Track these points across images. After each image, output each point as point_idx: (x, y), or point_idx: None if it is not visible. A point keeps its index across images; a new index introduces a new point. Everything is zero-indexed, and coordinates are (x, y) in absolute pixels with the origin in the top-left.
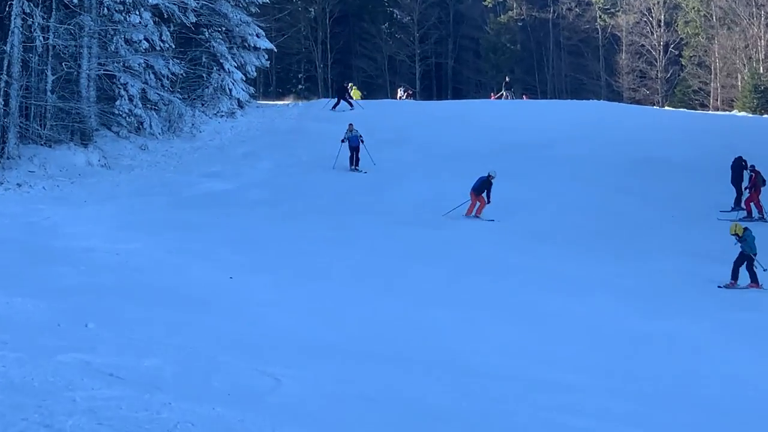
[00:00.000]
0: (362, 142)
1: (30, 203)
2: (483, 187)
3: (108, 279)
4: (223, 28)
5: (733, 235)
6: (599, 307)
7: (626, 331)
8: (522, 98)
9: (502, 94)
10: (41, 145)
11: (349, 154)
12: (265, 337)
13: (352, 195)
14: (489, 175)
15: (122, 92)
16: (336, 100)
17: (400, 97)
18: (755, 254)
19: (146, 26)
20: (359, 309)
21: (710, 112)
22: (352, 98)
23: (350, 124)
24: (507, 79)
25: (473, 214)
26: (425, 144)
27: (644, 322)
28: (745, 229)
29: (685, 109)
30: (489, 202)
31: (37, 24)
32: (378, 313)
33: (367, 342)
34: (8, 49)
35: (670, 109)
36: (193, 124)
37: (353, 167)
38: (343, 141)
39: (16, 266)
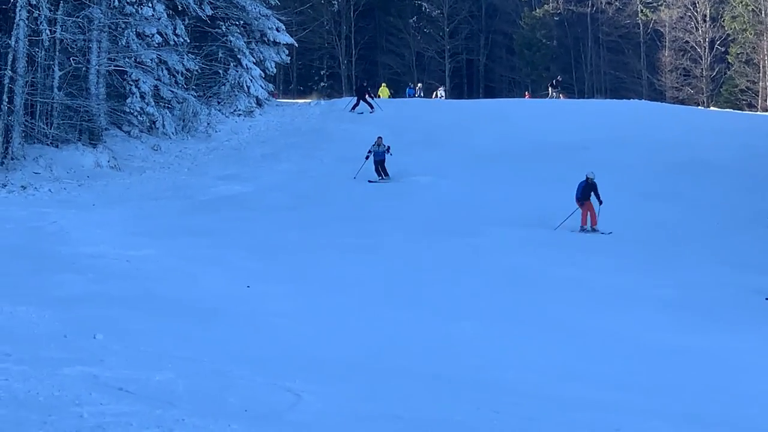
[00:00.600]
0: (388, 151)
1: (35, 207)
2: (587, 192)
3: (117, 287)
4: (241, 22)
5: None
6: (638, 320)
7: (667, 347)
8: (559, 97)
9: (548, 94)
10: (47, 145)
11: (374, 168)
12: (284, 351)
13: (377, 200)
14: (588, 179)
15: (133, 89)
16: (355, 100)
17: (436, 96)
18: None
19: (159, 19)
20: (384, 321)
21: (759, 113)
22: (372, 98)
23: (379, 138)
24: (559, 77)
25: (588, 226)
26: (455, 145)
27: (686, 337)
28: None
29: (731, 110)
30: (601, 202)
31: (43, 16)
32: (404, 326)
33: (393, 357)
34: (13, 43)
35: (716, 109)
36: (208, 124)
37: (380, 178)
38: (367, 157)
39: (20, 274)
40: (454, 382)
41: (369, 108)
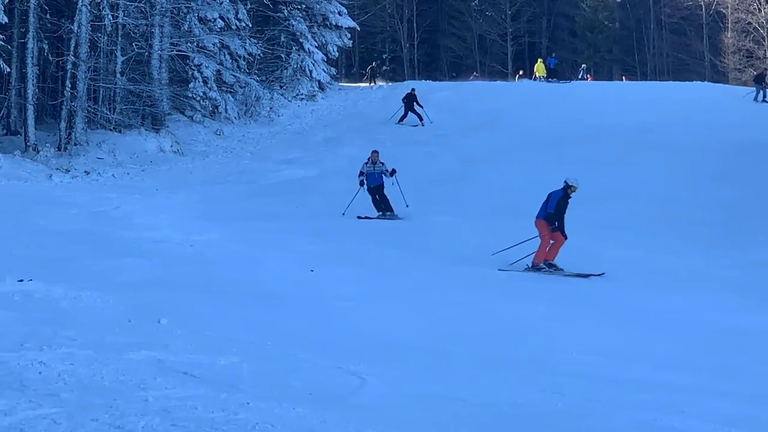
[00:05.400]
0: (391, 175)
1: (98, 192)
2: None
3: (181, 272)
4: (303, 6)
5: None
6: (701, 301)
7: (731, 327)
8: (621, 79)
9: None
10: (110, 130)
11: (370, 197)
12: (347, 334)
13: (438, 183)
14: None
15: (196, 74)
16: (403, 111)
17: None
18: None
19: (221, 4)
20: (448, 305)
21: None
22: (422, 107)
23: (374, 152)
24: (765, 70)
25: None
26: (517, 128)
27: (750, 318)
28: None
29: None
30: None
31: (106, 2)
32: (467, 309)
33: (457, 340)
34: (75, 28)
35: None
36: (271, 108)
37: (381, 213)
38: (361, 182)
39: (84, 258)
40: (518, 364)
41: (418, 120)
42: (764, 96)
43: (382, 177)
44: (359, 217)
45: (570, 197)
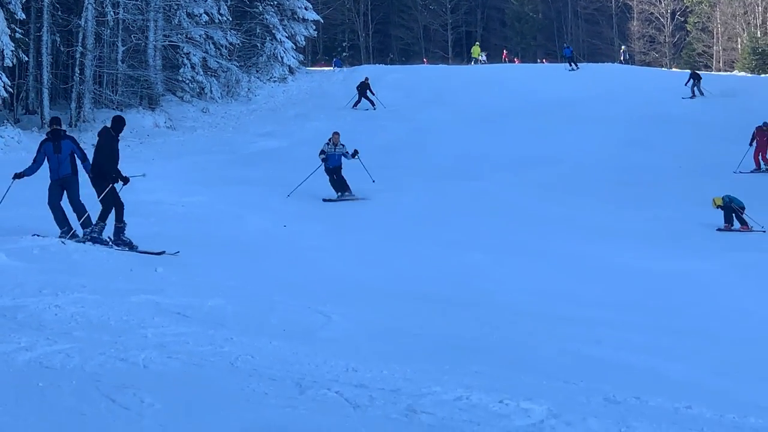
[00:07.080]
0: (354, 157)
1: None
2: None
3: (175, 229)
4: (275, 1)
5: (717, 208)
6: (618, 249)
7: (643, 271)
8: (542, 62)
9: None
10: (113, 109)
11: (327, 177)
12: (317, 280)
13: (393, 151)
14: None
15: (185, 61)
16: (357, 97)
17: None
18: (743, 207)
19: (206, 1)
20: (402, 254)
21: (713, 72)
22: (374, 95)
23: (335, 134)
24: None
25: None
26: (461, 104)
27: (659, 263)
28: (723, 197)
29: (690, 70)
30: None
31: (108, 0)
32: (419, 257)
33: (410, 284)
34: (83, 23)
35: (677, 70)
36: (249, 89)
37: (340, 194)
38: (322, 157)
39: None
40: (463, 304)
41: (371, 105)
42: (696, 90)
43: (341, 159)
44: (324, 200)
45: None
